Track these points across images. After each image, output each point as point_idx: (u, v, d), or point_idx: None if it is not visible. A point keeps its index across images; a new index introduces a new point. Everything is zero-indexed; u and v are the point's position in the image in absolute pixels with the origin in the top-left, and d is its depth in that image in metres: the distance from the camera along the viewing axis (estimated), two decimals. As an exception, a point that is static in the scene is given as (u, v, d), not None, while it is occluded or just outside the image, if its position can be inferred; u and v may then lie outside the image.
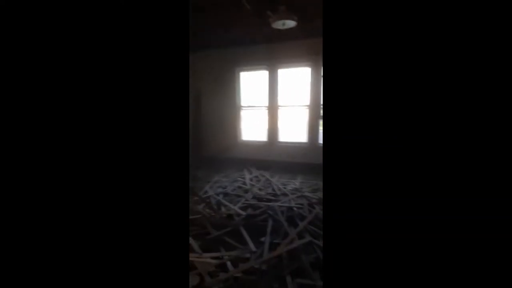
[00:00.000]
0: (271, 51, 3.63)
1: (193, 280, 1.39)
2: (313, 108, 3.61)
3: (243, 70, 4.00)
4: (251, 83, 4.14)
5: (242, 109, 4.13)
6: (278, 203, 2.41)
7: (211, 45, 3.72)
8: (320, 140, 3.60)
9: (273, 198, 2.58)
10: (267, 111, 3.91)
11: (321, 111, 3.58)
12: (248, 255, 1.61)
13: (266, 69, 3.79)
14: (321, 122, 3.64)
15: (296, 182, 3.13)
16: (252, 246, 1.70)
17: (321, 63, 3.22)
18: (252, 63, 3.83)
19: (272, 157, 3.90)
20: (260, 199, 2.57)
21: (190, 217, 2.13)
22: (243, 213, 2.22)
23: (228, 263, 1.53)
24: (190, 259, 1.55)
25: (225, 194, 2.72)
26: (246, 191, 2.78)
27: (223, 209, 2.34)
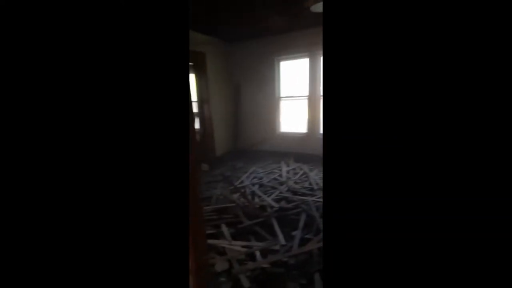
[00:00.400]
0: (312, 38, 3.41)
1: (223, 265, 1.47)
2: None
3: (283, 59, 3.90)
4: (291, 73, 4.01)
5: (282, 100, 4.06)
6: (314, 198, 2.33)
7: (249, 35, 3.70)
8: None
9: (309, 192, 2.50)
10: (307, 101, 3.75)
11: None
12: (277, 248, 1.61)
13: (307, 56, 3.60)
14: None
15: (335, 177, 2.95)
16: (282, 239, 1.70)
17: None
18: (292, 51, 3.68)
19: (312, 150, 3.75)
20: (295, 192, 2.52)
21: (224, 205, 2.25)
22: (276, 205, 2.22)
23: (257, 253, 1.56)
24: (221, 245, 1.64)
25: (260, 185, 2.76)
26: (282, 184, 2.76)
27: (256, 199, 2.38)
